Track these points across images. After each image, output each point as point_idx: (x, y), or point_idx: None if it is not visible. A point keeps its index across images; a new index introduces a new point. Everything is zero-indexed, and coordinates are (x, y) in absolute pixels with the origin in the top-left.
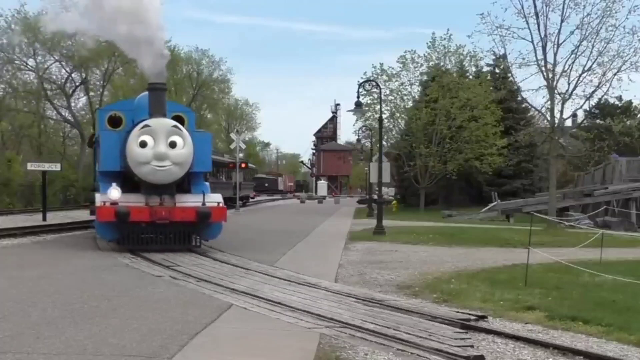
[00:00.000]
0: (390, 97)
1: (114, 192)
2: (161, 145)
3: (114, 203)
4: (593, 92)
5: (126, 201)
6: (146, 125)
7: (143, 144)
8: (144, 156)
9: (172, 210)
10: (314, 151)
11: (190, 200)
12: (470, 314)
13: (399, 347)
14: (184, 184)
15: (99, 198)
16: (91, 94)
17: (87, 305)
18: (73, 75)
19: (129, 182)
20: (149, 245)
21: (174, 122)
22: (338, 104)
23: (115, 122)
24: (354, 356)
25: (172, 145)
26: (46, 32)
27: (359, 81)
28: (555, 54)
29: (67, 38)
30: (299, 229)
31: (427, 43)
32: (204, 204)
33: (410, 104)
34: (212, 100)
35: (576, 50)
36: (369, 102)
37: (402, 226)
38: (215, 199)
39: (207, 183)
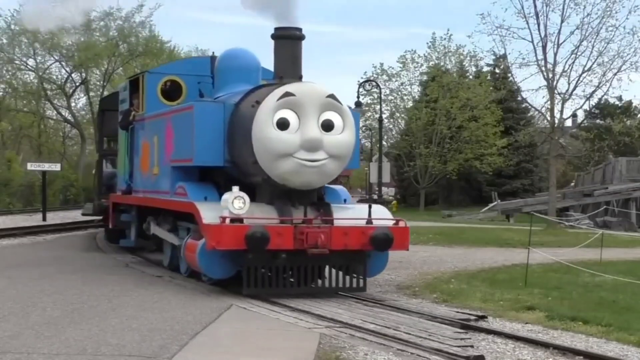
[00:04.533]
0: (390, 97)
1: (238, 202)
2: (312, 127)
3: (235, 220)
4: (593, 92)
5: (252, 216)
6: (288, 94)
7: (283, 124)
8: (286, 143)
9: (331, 232)
10: None
11: (347, 217)
12: (470, 314)
13: (399, 347)
14: (320, 189)
15: (208, 210)
16: (91, 94)
17: (87, 305)
18: (73, 75)
19: (235, 185)
20: (290, 289)
21: (329, 90)
22: None
23: (168, 93)
24: (354, 356)
25: (327, 126)
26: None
27: (359, 81)
28: (555, 54)
29: (67, 38)
30: None
31: (427, 43)
32: (370, 221)
33: (410, 104)
34: None
35: (576, 50)
36: (368, 102)
37: None
38: (382, 212)
39: (344, 188)
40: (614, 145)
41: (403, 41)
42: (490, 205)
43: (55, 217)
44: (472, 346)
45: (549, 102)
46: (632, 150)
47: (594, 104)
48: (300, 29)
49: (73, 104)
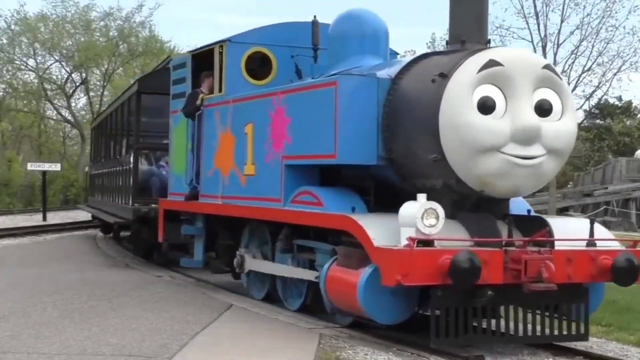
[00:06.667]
0: None
1: (430, 218)
2: (525, 110)
3: (422, 242)
4: (593, 92)
5: (443, 237)
6: (493, 63)
7: (487, 106)
8: (493, 133)
9: (555, 259)
10: None
11: (564, 237)
12: None
13: (399, 347)
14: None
15: (376, 228)
16: (91, 94)
17: (87, 305)
18: (73, 75)
19: (383, 190)
20: (494, 337)
21: (544, 59)
22: None
23: (251, 70)
24: (354, 356)
25: (543, 109)
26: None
27: None
28: (555, 54)
29: (66, 38)
30: None
31: (426, 43)
32: (592, 242)
33: None
34: None
35: (576, 50)
36: None
37: None
38: (603, 231)
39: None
40: (613, 145)
41: (403, 41)
42: None
43: (55, 217)
44: (472, 346)
45: None
46: (632, 151)
47: (593, 104)
48: None
49: (73, 104)
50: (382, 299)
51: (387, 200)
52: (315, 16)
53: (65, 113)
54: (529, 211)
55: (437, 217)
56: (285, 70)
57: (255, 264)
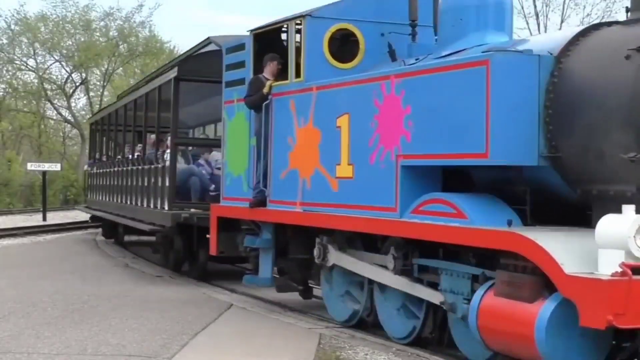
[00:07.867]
0: None
1: None
2: None
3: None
4: None
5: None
6: None
7: None
8: None
9: None
10: None
11: None
12: None
13: (399, 347)
14: None
15: (565, 252)
16: (91, 94)
17: (87, 305)
18: (73, 75)
19: (538, 198)
20: None
21: None
22: None
23: (334, 52)
24: (354, 356)
25: None
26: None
27: None
28: None
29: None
30: None
31: None
32: None
33: None
34: None
35: None
36: None
37: None
38: None
39: None
40: None
41: None
42: None
43: (55, 217)
44: None
45: None
46: None
47: None
48: None
49: (73, 104)
50: (570, 341)
51: (542, 210)
52: None
53: (65, 113)
54: None
55: None
56: (374, 50)
57: (345, 259)
